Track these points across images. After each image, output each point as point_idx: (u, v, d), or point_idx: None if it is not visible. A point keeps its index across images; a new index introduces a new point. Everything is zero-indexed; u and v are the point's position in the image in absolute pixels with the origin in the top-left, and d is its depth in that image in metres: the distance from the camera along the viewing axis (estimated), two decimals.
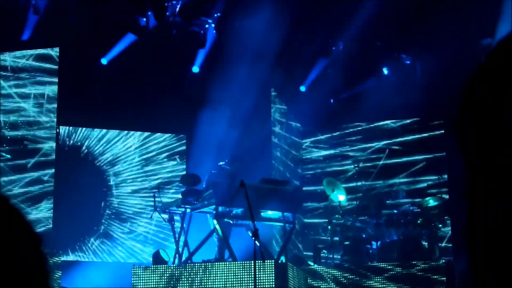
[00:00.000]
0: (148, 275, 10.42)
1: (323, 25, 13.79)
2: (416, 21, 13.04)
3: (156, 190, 12.02)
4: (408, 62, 14.52)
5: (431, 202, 12.22)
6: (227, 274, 10.12)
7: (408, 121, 14.76)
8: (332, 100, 15.20)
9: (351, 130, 15.13)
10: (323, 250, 12.39)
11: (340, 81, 14.74)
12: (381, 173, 14.66)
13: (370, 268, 11.27)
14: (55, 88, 13.45)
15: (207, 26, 13.97)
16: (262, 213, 10.93)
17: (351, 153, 14.99)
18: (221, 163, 11.87)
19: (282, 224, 11.25)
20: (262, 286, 9.75)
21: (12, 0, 12.89)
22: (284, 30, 13.38)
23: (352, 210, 12.83)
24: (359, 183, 13.62)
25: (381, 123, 14.93)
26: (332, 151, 15.15)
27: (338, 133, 15.20)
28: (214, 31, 14.01)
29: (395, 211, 12.35)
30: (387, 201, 12.94)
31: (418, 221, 11.95)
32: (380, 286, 10.90)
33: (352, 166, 13.89)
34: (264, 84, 14.30)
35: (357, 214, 12.45)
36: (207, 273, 10.22)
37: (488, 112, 1.02)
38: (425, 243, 11.86)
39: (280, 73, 14.21)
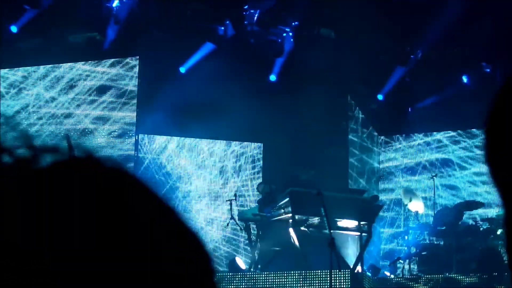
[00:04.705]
0: (224, 283, 10.48)
1: (401, 33, 13.68)
2: (497, 27, 12.83)
3: (233, 198, 12.09)
4: (488, 70, 14.25)
5: None
6: (303, 283, 10.10)
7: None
8: (410, 109, 15.05)
9: (429, 139, 14.94)
10: (400, 261, 12.27)
11: (418, 89, 14.60)
12: (460, 183, 14.42)
13: (448, 279, 11.11)
14: (134, 96, 13.72)
15: (284, 34, 14.01)
16: (338, 223, 10.88)
17: (428, 163, 14.79)
18: (297, 171, 11.88)
19: (358, 233, 11.18)
20: None
21: (94, 11, 13.18)
22: (361, 38, 13.33)
23: (430, 220, 12.66)
24: (437, 192, 13.44)
25: (460, 131, 14.69)
26: (409, 161, 14.99)
27: (415, 141, 15.02)
28: (292, 40, 14.04)
29: (474, 222, 12.15)
30: (466, 211, 12.74)
31: (498, 232, 11.73)
32: None
33: (430, 176, 13.70)
34: (341, 92, 14.26)
35: (435, 224, 12.28)
36: (283, 281, 10.22)
37: None
38: (504, 255, 11.63)
39: (357, 81, 14.17)
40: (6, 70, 13.40)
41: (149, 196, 0.77)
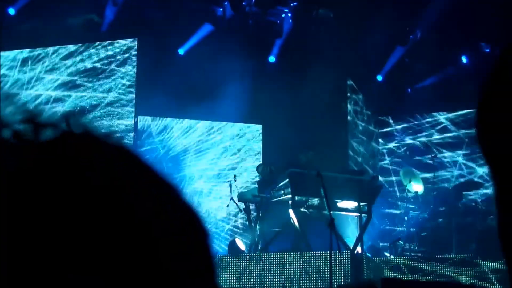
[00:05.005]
0: (224, 264, 10.51)
1: (400, 13, 13.64)
2: (496, 7, 12.79)
3: (233, 179, 12.09)
4: (488, 50, 14.23)
5: None
6: (303, 264, 10.13)
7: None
8: (409, 90, 15.04)
9: (428, 119, 14.94)
10: (400, 241, 12.30)
11: (417, 70, 14.59)
12: (460, 164, 14.42)
13: (448, 259, 11.13)
14: (133, 78, 13.70)
15: (283, 15, 13.97)
16: (338, 204, 10.89)
17: (428, 144, 14.78)
18: (297, 152, 11.87)
19: (358, 214, 11.19)
20: (338, 276, 9.73)
21: None
22: (360, 19, 13.29)
23: (429, 200, 12.68)
24: (437, 173, 13.44)
25: (459, 112, 14.69)
26: (409, 141, 14.98)
27: (415, 122, 15.02)
28: (291, 21, 14.00)
29: (473, 203, 12.17)
30: (465, 192, 12.76)
31: None
32: (459, 278, 10.75)
33: (430, 156, 13.70)
34: (341, 73, 14.23)
35: (435, 204, 12.30)
36: (283, 262, 10.25)
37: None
38: None
39: (356, 62, 14.13)
40: (4, 52, 13.38)
41: (154, 179, 0.74)
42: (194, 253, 0.74)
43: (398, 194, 14.21)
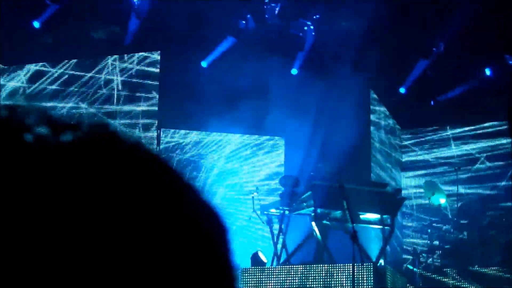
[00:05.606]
0: (246, 277, 10.48)
1: (423, 25, 13.61)
2: None
3: (255, 192, 12.08)
4: None
5: None
6: (325, 277, 10.08)
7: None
8: (432, 102, 14.97)
9: (451, 132, 14.86)
10: (423, 254, 12.21)
11: (440, 82, 14.53)
12: (484, 176, 14.31)
13: (471, 272, 11.04)
14: (156, 90, 13.77)
15: (306, 28, 13.97)
16: (360, 216, 10.85)
17: (451, 156, 14.70)
18: (319, 165, 11.85)
19: (381, 227, 11.14)
20: None
21: (115, 5, 13.22)
22: (383, 31, 13.27)
23: (452, 213, 12.60)
24: (460, 186, 13.35)
25: (483, 125, 14.60)
26: (432, 154, 14.91)
27: (438, 135, 14.94)
28: (313, 33, 14.00)
29: (497, 215, 12.08)
30: (489, 204, 12.66)
31: None
32: None
33: (453, 169, 13.62)
34: (363, 85, 14.21)
35: (458, 217, 12.22)
36: (305, 275, 10.21)
37: None
38: None
39: (379, 74, 14.10)
40: (28, 65, 13.50)
41: (171, 174, 0.74)
42: (214, 247, 0.73)
43: (421, 206, 14.13)
